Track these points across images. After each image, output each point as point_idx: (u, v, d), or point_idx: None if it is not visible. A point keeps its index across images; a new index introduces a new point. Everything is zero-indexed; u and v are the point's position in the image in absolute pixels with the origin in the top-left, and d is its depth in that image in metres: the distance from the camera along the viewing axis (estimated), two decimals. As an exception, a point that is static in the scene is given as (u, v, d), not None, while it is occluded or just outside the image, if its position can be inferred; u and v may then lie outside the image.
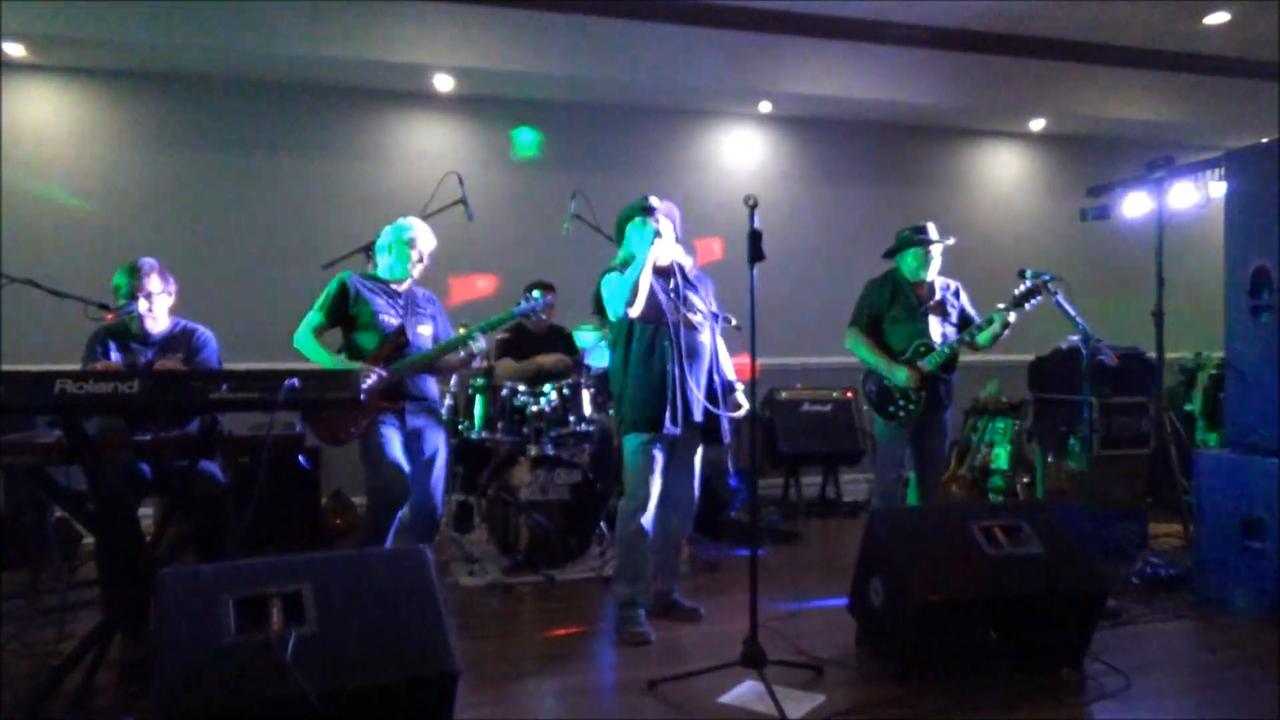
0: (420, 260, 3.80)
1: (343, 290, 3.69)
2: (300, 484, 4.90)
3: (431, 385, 3.86)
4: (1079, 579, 3.12)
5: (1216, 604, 3.80)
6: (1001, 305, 4.04)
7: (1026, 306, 4.05)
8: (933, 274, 4.24)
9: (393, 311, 3.73)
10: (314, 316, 3.68)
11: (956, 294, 4.33)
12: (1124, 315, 5.99)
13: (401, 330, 3.72)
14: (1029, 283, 4.02)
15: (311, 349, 3.63)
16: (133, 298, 3.36)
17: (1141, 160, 4.92)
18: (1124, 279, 6.74)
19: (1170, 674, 3.21)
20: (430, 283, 4.06)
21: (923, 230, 4.22)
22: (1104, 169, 6.53)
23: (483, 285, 5.93)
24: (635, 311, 3.44)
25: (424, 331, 3.81)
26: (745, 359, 3.23)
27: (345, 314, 3.69)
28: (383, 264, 3.80)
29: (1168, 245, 4.57)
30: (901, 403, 4.15)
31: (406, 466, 3.58)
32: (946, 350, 4.10)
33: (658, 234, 3.48)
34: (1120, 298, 6.55)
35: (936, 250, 4.21)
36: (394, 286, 3.79)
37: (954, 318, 4.26)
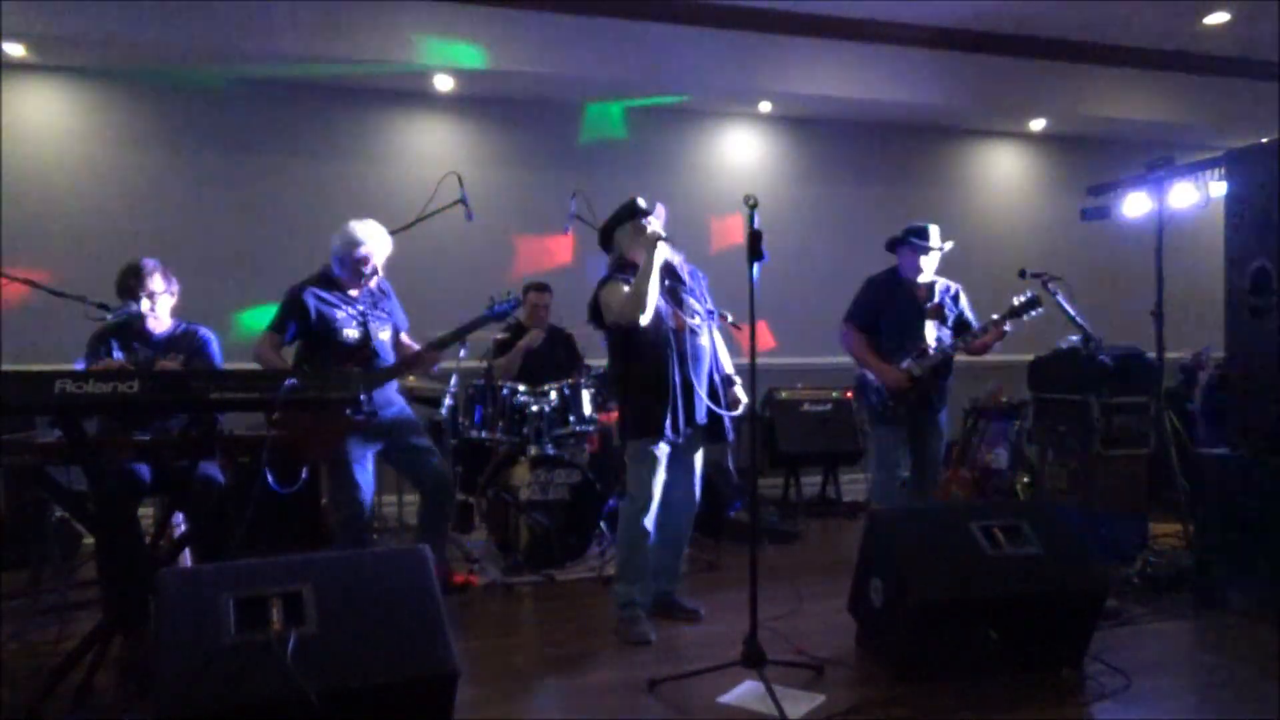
0: (375, 273, 3.71)
1: (302, 310, 3.57)
2: (300, 485, 4.90)
3: (393, 390, 3.85)
4: (1079, 579, 3.12)
5: (1216, 604, 3.80)
6: (996, 315, 4.02)
7: (1024, 318, 4.02)
8: (929, 275, 4.22)
9: (354, 322, 3.66)
10: (271, 335, 3.59)
11: (956, 297, 4.31)
12: (1124, 315, 5.99)
13: (366, 344, 3.67)
14: (1029, 293, 3.98)
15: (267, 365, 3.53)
16: (135, 298, 3.36)
17: (1141, 160, 4.92)
18: (1124, 279, 6.75)
19: (1170, 674, 3.21)
20: (431, 284, 4.05)
21: (924, 233, 4.18)
22: (1104, 169, 6.53)
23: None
24: (647, 319, 3.40)
25: (384, 336, 3.77)
26: (745, 359, 3.22)
27: (305, 332, 3.61)
28: (337, 269, 3.69)
29: (1168, 245, 4.57)
30: (891, 404, 4.14)
31: (370, 486, 3.67)
32: (939, 356, 4.09)
33: (661, 237, 3.43)
34: (1120, 298, 6.56)
35: (934, 254, 4.19)
36: (350, 291, 3.71)
37: (951, 321, 4.25)
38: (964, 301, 4.32)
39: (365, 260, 3.65)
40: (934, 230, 4.21)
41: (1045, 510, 3.47)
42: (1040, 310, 4.01)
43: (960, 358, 4.23)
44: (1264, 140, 4.00)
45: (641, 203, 3.58)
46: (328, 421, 3.37)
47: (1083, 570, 3.15)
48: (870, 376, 4.21)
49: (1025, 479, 5.44)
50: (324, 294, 3.64)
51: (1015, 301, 4.00)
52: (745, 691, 2.93)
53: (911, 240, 4.18)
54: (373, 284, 3.75)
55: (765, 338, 6.32)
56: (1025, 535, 3.16)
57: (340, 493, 3.62)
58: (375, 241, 3.68)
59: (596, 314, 3.58)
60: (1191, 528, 4.10)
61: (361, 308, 3.71)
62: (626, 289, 3.45)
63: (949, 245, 4.25)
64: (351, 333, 3.64)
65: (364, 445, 3.63)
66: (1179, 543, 4.59)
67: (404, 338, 3.93)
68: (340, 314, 3.64)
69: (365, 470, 3.66)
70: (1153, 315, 4.52)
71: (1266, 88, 6.75)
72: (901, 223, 4.38)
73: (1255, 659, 3.28)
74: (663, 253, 3.46)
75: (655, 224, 3.52)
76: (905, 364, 4.11)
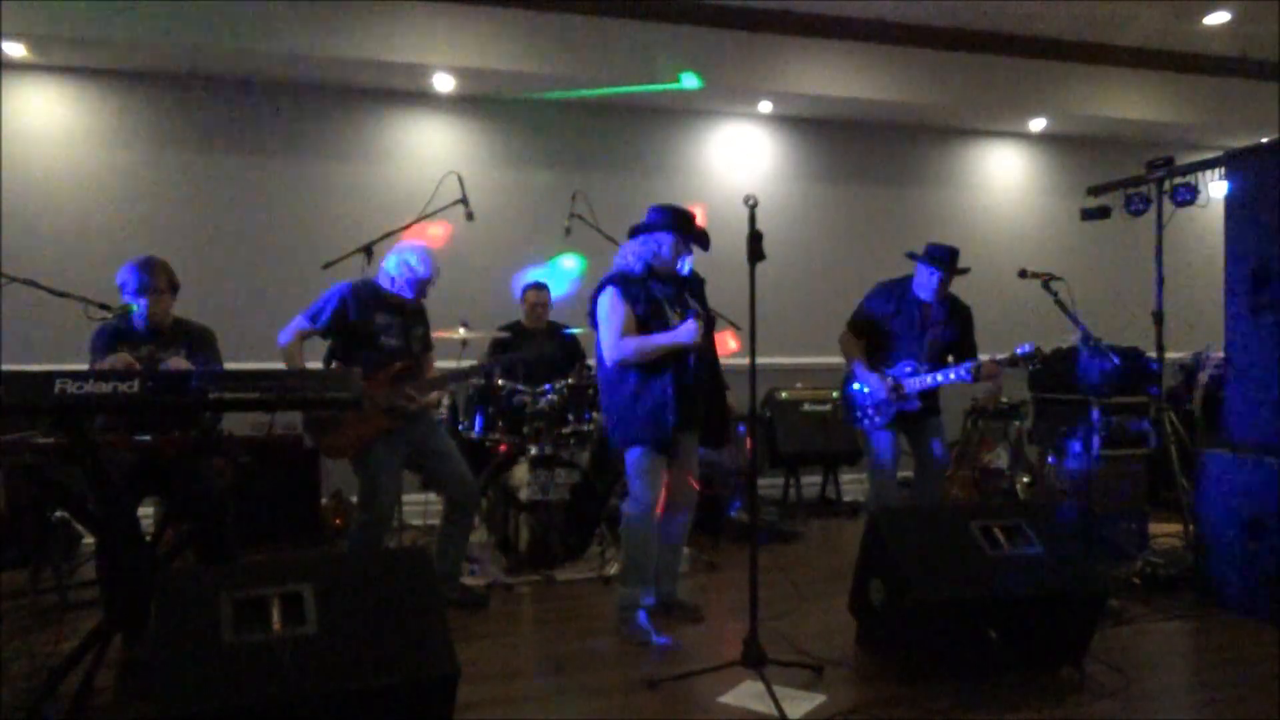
0: (425, 294, 3.83)
1: (343, 306, 3.64)
2: (300, 484, 4.91)
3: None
4: (1079, 579, 3.13)
5: (1216, 604, 3.81)
6: (1001, 356, 3.99)
7: (1024, 368, 4.02)
8: (942, 294, 4.18)
9: (393, 330, 3.72)
10: (303, 322, 3.65)
11: (963, 318, 4.27)
12: (1124, 315, 5.99)
13: (409, 351, 3.75)
14: (1031, 345, 3.95)
15: (290, 358, 3.61)
16: (139, 294, 3.36)
17: (1141, 160, 4.92)
18: (1124, 279, 6.75)
19: (1170, 674, 3.21)
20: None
21: (944, 256, 4.12)
22: (1104, 169, 6.54)
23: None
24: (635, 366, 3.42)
25: (417, 350, 3.85)
26: (745, 359, 3.22)
27: (342, 328, 3.66)
28: (388, 281, 3.76)
29: (1168, 245, 4.57)
30: (870, 412, 4.14)
31: (394, 492, 3.71)
32: (929, 383, 4.07)
33: (703, 334, 3.37)
34: (1120, 298, 6.56)
35: (950, 277, 4.16)
36: (396, 302, 3.77)
37: (953, 340, 4.21)
38: (970, 324, 4.28)
39: (419, 285, 3.75)
40: (956, 254, 4.15)
41: (1045, 510, 3.47)
42: (1037, 365, 4.00)
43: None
44: (1264, 140, 4.00)
45: (685, 222, 3.47)
46: (362, 420, 3.42)
47: (1083, 570, 3.16)
48: (855, 380, 4.20)
49: (1025, 479, 5.44)
50: (367, 298, 3.70)
51: (1017, 350, 3.97)
52: (745, 691, 2.93)
53: (932, 261, 4.13)
54: (419, 302, 3.85)
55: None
56: (1025, 535, 3.17)
57: (367, 496, 3.64)
58: (436, 268, 3.79)
59: (594, 316, 3.56)
60: (1191, 528, 4.10)
61: (402, 319, 3.77)
62: (624, 314, 3.41)
63: (967, 269, 4.21)
64: (391, 340, 3.70)
65: (392, 450, 3.65)
66: (1179, 543, 4.60)
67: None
68: (381, 318, 3.69)
69: (393, 476, 3.68)
70: (1153, 315, 4.53)
71: (1266, 88, 6.75)
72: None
73: (1255, 659, 3.28)
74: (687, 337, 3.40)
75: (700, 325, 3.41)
76: (892, 375, 4.11)
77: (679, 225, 3.48)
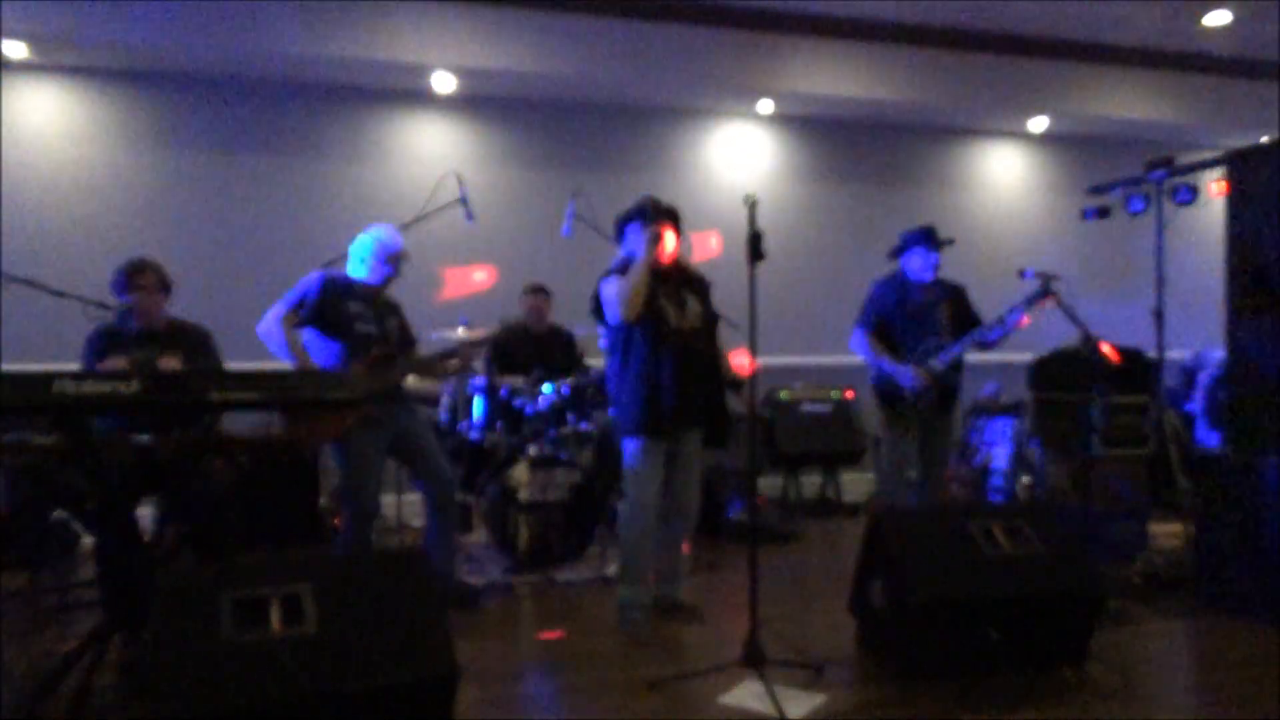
0: (397, 275, 3.81)
1: (322, 291, 3.61)
2: (300, 484, 4.91)
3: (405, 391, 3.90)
4: (1079, 579, 3.13)
5: (1216, 604, 3.80)
6: (1011, 308, 4.02)
7: (1038, 306, 4.05)
8: (934, 274, 4.23)
9: (367, 317, 3.69)
10: (283, 309, 3.58)
11: (962, 295, 4.33)
12: (1124, 315, 5.99)
13: (385, 338, 3.71)
14: (1035, 280, 3.99)
15: (280, 343, 3.51)
16: (131, 295, 3.35)
17: (1141, 160, 4.92)
18: (1124, 279, 6.75)
19: (1170, 674, 3.21)
20: (430, 284, 4.06)
21: (928, 233, 4.21)
22: (1104, 169, 6.53)
23: (479, 278, 5.90)
24: (631, 315, 3.45)
25: (393, 339, 3.83)
26: (746, 358, 3.23)
27: (319, 315, 3.62)
28: (358, 269, 3.75)
29: (1168, 245, 4.57)
30: (915, 403, 4.15)
31: (378, 482, 3.67)
32: (956, 352, 4.10)
33: (657, 238, 3.46)
34: (1120, 298, 6.56)
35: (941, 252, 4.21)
36: (367, 291, 3.75)
37: (959, 318, 4.26)
38: (968, 299, 4.35)
39: (401, 257, 3.74)
40: (933, 229, 4.24)
41: (1045, 510, 3.47)
42: (1054, 289, 4.02)
43: (965, 356, 4.24)
44: (1265, 140, 4.00)
45: (653, 202, 3.60)
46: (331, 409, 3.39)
47: (1083, 570, 3.16)
48: (888, 374, 4.21)
49: (1025, 479, 5.44)
50: (340, 286, 3.69)
51: (1029, 293, 4.00)
52: (745, 691, 2.93)
53: (925, 242, 4.19)
54: (390, 285, 3.82)
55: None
56: (1025, 535, 3.16)
57: (349, 488, 3.62)
58: (402, 244, 3.79)
59: (598, 309, 3.62)
60: (1191, 528, 4.10)
61: (374, 308, 3.76)
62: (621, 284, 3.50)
63: (952, 240, 4.29)
64: (365, 327, 3.67)
65: (373, 439, 3.63)
66: (1179, 543, 4.59)
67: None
68: (354, 306, 3.67)
69: (374, 465, 3.65)
70: (1153, 315, 4.53)
71: (1266, 88, 6.75)
72: (901, 222, 4.39)
73: (1255, 659, 3.28)
74: (662, 254, 3.48)
75: (655, 227, 3.52)
76: (931, 363, 4.14)
77: (634, 214, 3.59)
